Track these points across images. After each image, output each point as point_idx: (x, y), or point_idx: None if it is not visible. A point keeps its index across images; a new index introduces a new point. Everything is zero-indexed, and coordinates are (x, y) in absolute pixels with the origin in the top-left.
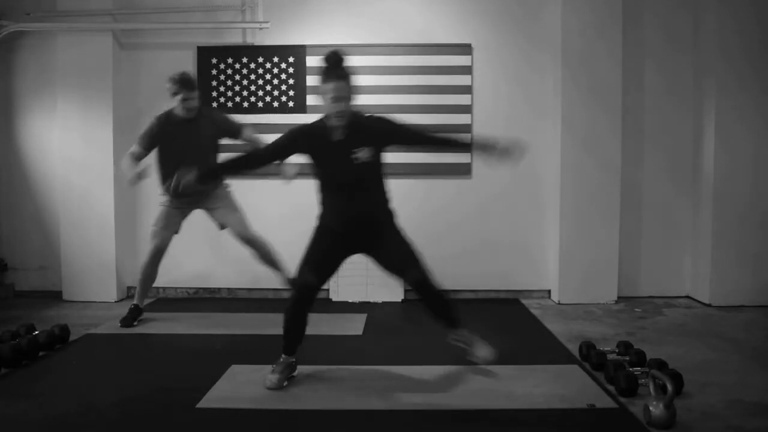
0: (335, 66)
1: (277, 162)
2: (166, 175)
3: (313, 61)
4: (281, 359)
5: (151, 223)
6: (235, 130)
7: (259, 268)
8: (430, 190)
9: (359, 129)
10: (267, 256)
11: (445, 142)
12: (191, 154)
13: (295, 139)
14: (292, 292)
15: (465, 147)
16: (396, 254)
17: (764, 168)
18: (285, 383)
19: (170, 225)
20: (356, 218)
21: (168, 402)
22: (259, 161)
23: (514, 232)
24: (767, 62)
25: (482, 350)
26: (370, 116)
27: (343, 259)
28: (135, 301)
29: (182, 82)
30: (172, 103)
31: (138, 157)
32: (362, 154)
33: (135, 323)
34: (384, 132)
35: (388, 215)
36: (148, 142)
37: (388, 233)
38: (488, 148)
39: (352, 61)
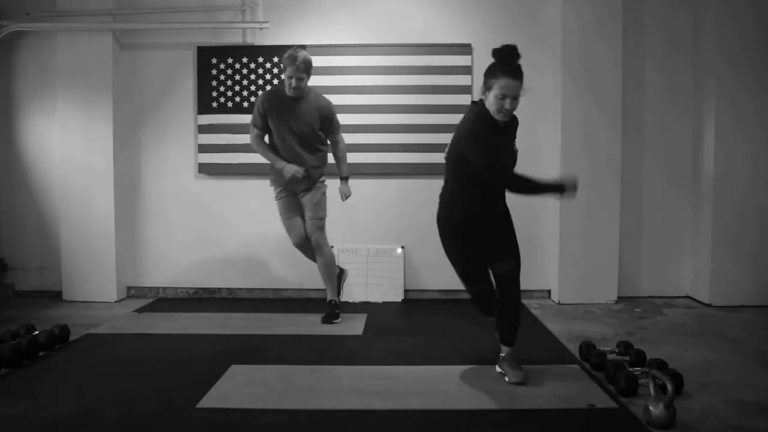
0: (509, 61)
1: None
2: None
3: (313, 61)
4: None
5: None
6: (331, 127)
7: (258, 268)
8: (430, 190)
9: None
10: (325, 267)
11: (522, 184)
12: (295, 135)
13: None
14: (474, 302)
15: (534, 191)
16: (504, 242)
17: (764, 168)
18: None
19: (295, 211)
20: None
21: (168, 402)
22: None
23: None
24: (767, 62)
25: (515, 376)
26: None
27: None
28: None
29: (290, 59)
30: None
31: (262, 137)
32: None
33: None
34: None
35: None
36: (260, 121)
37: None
38: (556, 188)
39: (352, 61)
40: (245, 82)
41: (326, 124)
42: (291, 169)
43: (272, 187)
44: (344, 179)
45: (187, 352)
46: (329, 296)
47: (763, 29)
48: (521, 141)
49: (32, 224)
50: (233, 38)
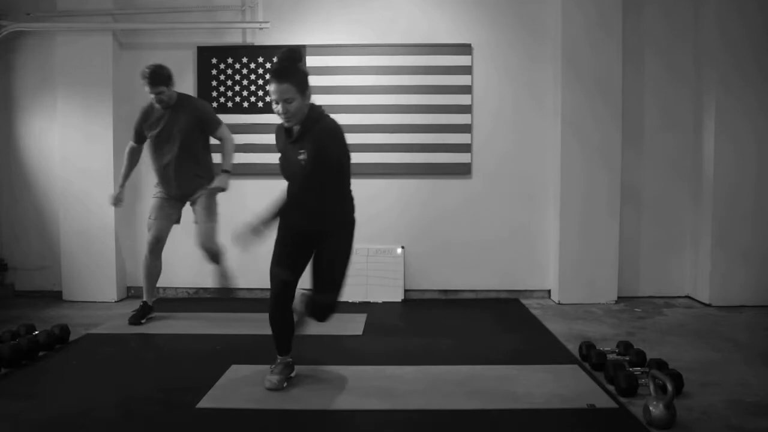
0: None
1: None
2: (157, 168)
3: (313, 61)
4: (278, 360)
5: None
6: (211, 125)
7: (258, 268)
8: (430, 190)
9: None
10: (216, 258)
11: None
12: (174, 143)
13: None
14: (271, 291)
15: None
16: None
17: (765, 168)
18: (285, 384)
19: (166, 215)
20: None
21: (168, 402)
22: None
23: (514, 232)
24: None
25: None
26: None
27: (311, 253)
28: (144, 298)
29: (147, 77)
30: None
31: (134, 151)
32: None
33: (143, 321)
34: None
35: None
36: (136, 135)
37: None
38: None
39: (352, 61)
40: (245, 82)
41: (206, 124)
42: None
43: (156, 187)
44: (225, 172)
45: (187, 352)
46: (225, 282)
47: (764, 19)
48: (520, 136)
49: (32, 224)
50: (233, 38)
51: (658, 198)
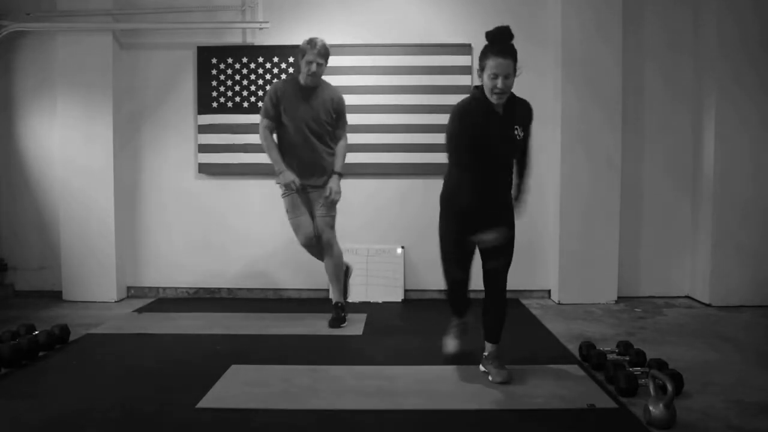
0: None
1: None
2: (285, 149)
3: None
4: (454, 323)
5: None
6: (340, 121)
7: (258, 268)
8: (431, 189)
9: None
10: (334, 267)
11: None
12: (308, 126)
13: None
14: (448, 290)
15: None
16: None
17: (764, 168)
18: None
19: (302, 209)
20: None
21: (168, 402)
22: None
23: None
24: (767, 61)
25: (498, 375)
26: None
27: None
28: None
29: (311, 44)
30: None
31: (271, 129)
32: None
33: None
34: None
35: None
36: (272, 110)
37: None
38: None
39: (352, 61)
40: (245, 82)
41: (337, 116)
42: (288, 177)
43: (278, 184)
44: (337, 174)
45: (187, 352)
46: (335, 298)
47: (763, 27)
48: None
49: (32, 224)
50: (233, 38)
51: (658, 198)
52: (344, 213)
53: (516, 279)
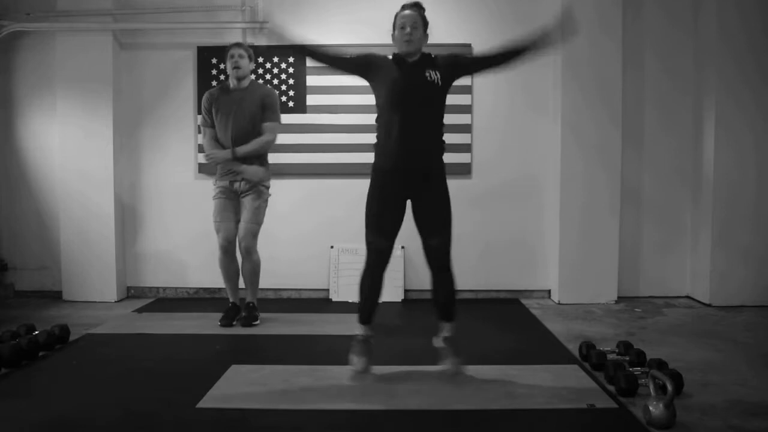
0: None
1: (341, 71)
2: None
3: (313, 60)
4: (358, 334)
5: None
6: (273, 116)
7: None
8: None
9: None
10: (251, 273)
11: (509, 55)
12: (236, 127)
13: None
14: (367, 261)
15: (527, 50)
16: (435, 212)
17: (764, 168)
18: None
19: (228, 213)
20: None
21: (168, 402)
22: (331, 61)
23: (514, 232)
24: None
25: (451, 363)
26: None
27: (403, 209)
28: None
29: (233, 45)
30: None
31: (213, 136)
32: (432, 76)
33: (234, 323)
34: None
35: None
36: (208, 119)
37: (436, 185)
38: (545, 38)
39: None
40: None
41: (264, 111)
42: (220, 154)
43: (213, 186)
44: (233, 151)
45: (187, 352)
46: (249, 298)
47: (765, 20)
48: (521, 136)
49: (32, 224)
50: (233, 38)
51: (658, 198)
52: (344, 213)
53: (516, 279)
